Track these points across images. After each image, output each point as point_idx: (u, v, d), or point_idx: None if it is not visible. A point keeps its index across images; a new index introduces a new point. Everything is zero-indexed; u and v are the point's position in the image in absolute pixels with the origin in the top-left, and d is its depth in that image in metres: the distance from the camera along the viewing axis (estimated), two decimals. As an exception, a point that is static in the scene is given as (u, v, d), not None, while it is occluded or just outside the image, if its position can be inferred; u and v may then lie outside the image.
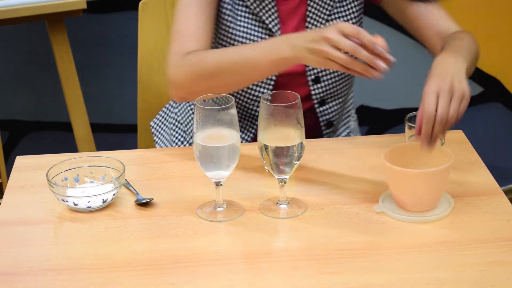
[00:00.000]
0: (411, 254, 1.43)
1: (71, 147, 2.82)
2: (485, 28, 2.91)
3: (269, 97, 1.50)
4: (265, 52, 1.65)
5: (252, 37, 1.81)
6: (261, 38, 1.81)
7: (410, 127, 1.65)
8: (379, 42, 1.52)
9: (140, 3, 2.10)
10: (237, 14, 1.80)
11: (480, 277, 1.36)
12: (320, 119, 1.90)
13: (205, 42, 1.75)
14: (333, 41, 1.53)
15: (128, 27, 2.84)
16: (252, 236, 1.49)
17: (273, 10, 1.81)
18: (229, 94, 1.68)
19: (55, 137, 3.01)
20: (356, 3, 1.86)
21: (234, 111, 1.48)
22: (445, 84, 1.53)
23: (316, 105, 1.88)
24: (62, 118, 2.96)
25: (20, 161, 1.76)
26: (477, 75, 2.99)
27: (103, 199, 1.57)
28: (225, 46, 1.82)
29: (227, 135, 1.49)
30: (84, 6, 2.50)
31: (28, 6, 2.46)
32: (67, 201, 1.56)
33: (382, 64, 1.52)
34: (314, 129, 1.91)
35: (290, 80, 1.85)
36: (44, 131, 3.01)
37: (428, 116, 1.51)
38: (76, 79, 2.67)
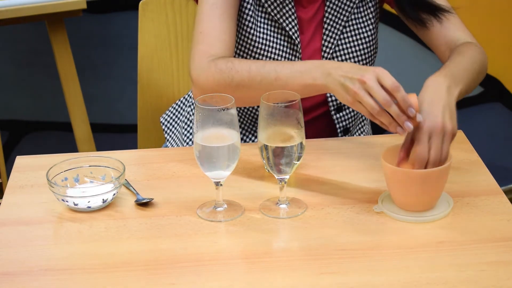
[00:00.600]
0: (411, 254, 1.42)
1: (71, 147, 2.82)
2: (485, 29, 2.91)
3: (270, 97, 1.50)
4: (297, 74, 1.63)
5: (272, 43, 1.80)
6: (281, 44, 1.81)
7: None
8: (412, 102, 1.50)
9: (140, 3, 2.10)
10: (258, 20, 1.79)
11: (480, 277, 1.36)
12: (337, 125, 1.89)
13: (230, 45, 1.73)
14: (369, 87, 1.51)
15: (128, 27, 2.84)
16: (252, 236, 1.49)
17: (293, 17, 1.80)
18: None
19: (55, 137, 3.01)
20: (372, 9, 1.85)
21: (234, 111, 1.48)
22: (437, 123, 1.52)
23: (333, 112, 1.88)
24: (62, 118, 2.96)
25: (20, 161, 1.76)
26: (477, 75, 2.99)
27: (103, 199, 1.57)
28: (244, 50, 1.81)
29: (227, 135, 1.49)
30: (84, 6, 2.51)
31: (28, 6, 2.46)
32: (67, 201, 1.56)
33: (409, 125, 1.51)
34: (330, 135, 1.90)
35: None
36: (44, 131, 3.01)
37: (422, 159, 1.52)
38: (76, 79, 2.67)
